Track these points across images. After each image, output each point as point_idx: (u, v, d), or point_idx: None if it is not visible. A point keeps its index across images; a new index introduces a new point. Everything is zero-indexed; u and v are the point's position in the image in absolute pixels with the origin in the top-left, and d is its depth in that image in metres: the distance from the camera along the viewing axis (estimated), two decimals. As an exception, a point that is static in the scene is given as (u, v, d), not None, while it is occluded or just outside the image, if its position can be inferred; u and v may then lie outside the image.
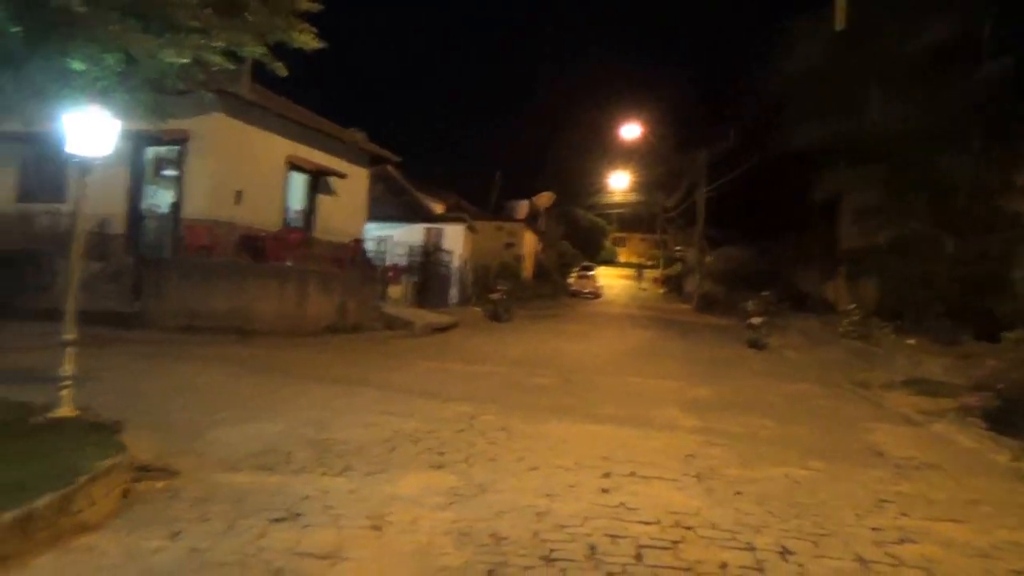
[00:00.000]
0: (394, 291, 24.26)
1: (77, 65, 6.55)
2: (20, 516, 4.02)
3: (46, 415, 6.03)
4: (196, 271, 16.84)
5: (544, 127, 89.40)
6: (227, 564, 4.11)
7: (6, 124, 8.70)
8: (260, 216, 19.65)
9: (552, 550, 4.59)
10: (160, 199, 19.42)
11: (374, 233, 27.44)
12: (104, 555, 4.17)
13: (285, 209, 21.33)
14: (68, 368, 6.23)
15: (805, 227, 31.53)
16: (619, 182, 57.93)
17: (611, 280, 58.92)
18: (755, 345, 20.01)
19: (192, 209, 18.45)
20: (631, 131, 45.70)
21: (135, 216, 18.95)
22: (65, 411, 6.10)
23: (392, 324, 19.37)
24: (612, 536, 4.90)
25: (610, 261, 70.72)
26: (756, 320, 20.69)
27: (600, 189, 60.52)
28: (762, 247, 37.80)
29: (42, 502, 4.19)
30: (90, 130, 6.00)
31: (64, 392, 6.18)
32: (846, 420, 10.39)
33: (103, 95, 6.86)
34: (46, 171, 18.94)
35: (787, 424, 9.67)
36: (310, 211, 22.53)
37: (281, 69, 8.59)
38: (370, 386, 10.51)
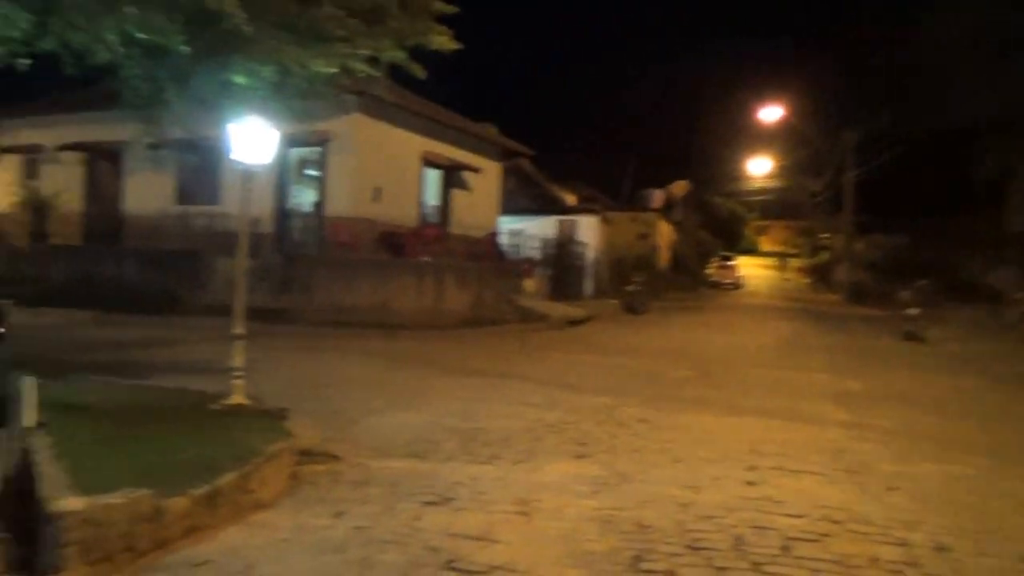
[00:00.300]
0: (529, 284, 24.56)
1: (238, 79, 7.06)
2: (209, 492, 4.42)
3: (221, 402, 6.55)
4: (340, 267, 17.63)
5: (679, 113, 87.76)
6: (388, 542, 4.37)
7: (167, 132, 9.47)
8: (397, 212, 20.33)
9: (697, 539, 4.63)
10: (304, 198, 20.38)
11: (508, 226, 27.83)
12: (279, 530, 4.52)
13: (421, 205, 21.96)
14: (238, 360, 6.72)
15: (966, 211, 29.75)
16: (760, 167, 55.98)
17: (753, 270, 57.53)
18: (912, 337, 19.05)
19: (334, 207, 19.29)
20: (772, 113, 44.23)
21: (281, 215, 19.96)
22: (237, 399, 6.59)
23: (528, 317, 19.65)
24: (758, 528, 4.89)
25: (751, 250, 68.89)
26: (913, 311, 19.74)
27: (739, 175, 58.78)
28: (918, 233, 35.96)
29: (225, 480, 4.59)
30: (252, 139, 6.44)
31: (236, 382, 6.68)
32: (1015, 416, 9.85)
33: (259, 104, 7.33)
34: (202, 175, 20.26)
35: (948, 419, 9.27)
36: (445, 206, 23.09)
37: (419, 71, 8.87)
38: (510, 378, 10.76)
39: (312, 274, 17.47)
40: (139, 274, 18.83)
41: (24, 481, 4.22)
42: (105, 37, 6.29)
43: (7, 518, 3.93)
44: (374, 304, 16.97)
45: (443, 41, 8.86)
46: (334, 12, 6.94)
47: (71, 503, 3.75)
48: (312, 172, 20.26)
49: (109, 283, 18.43)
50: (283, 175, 19.94)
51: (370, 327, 15.91)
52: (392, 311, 16.89)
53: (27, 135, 23.03)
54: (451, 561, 4.14)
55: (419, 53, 8.83)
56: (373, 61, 8.27)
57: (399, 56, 8.13)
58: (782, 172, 55.84)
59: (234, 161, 6.74)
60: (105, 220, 22.06)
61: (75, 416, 5.63)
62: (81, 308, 16.30)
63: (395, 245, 19.41)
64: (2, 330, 8.16)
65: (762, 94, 54.74)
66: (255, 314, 15.05)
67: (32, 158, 23.18)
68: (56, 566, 3.63)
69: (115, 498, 3.91)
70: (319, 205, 19.64)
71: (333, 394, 8.90)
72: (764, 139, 51.03)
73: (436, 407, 8.46)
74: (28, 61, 6.80)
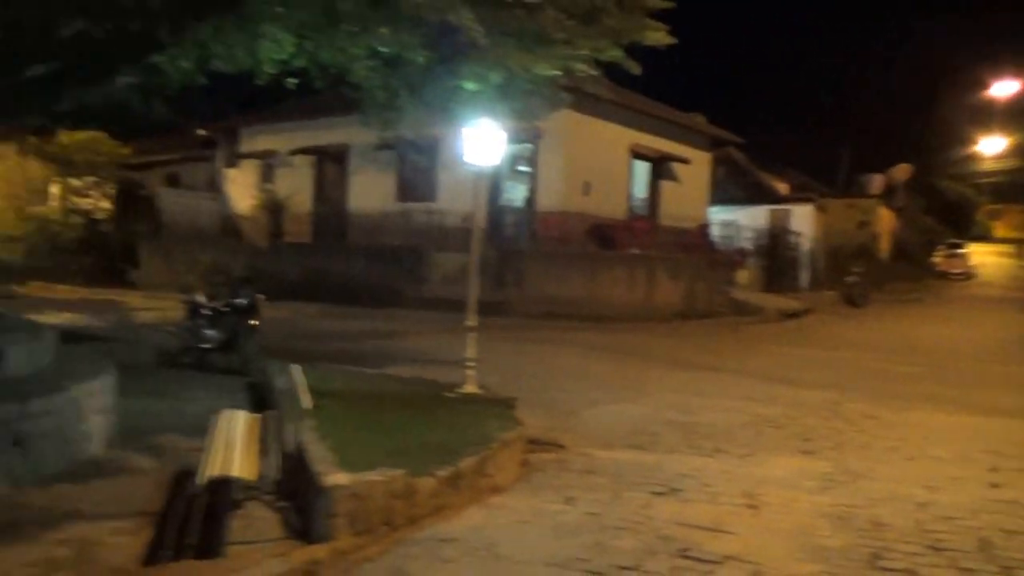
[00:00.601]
0: (741, 276, 24.00)
1: (468, 85, 7.48)
2: (452, 474, 4.78)
3: (456, 391, 7.00)
4: (551, 260, 18.04)
5: (900, 93, 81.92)
6: (620, 528, 4.54)
7: (387, 134, 10.13)
8: (606, 205, 20.48)
9: (939, 540, 4.46)
10: (515, 193, 20.93)
11: (718, 217, 27.27)
12: (516, 513, 4.80)
13: (630, 197, 22.00)
14: (471, 351, 7.15)
15: None
16: (992, 147, 51.17)
17: (985, 258, 52.93)
18: None
19: (545, 202, 19.74)
20: (1006, 88, 40.37)
21: (494, 210, 20.58)
22: (470, 388, 7.03)
23: (741, 309, 19.27)
24: (1006, 531, 4.64)
25: (983, 237, 63.25)
26: None
27: (967, 156, 54.18)
28: None
29: (466, 463, 4.94)
30: (482, 142, 6.82)
31: (468, 372, 7.11)
32: None
33: (485, 106, 7.71)
34: (420, 174, 21.33)
35: None
36: (654, 198, 23.01)
37: (635, 67, 8.92)
38: (726, 371, 10.67)
39: (524, 268, 17.99)
40: (363, 269, 20.09)
41: (295, 458, 4.74)
42: (356, 53, 6.88)
43: (287, 490, 4.44)
44: (585, 297, 17.24)
45: (658, 36, 8.87)
46: (555, 16, 7.18)
47: (340, 478, 4.19)
48: (523, 168, 20.78)
49: (336, 278, 19.81)
50: (497, 171, 20.55)
51: (581, 319, 16.19)
52: (603, 304, 17.09)
53: (263, 141, 25.20)
54: (684, 550, 4.24)
55: (629, 46, 8.88)
56: (591, 60, 8.44)
57: (616, 55, 8.25)
58: (1018, 151, 50.84)
59: (465, 162, 7.16)
60: (332, 219, 23.70)
61: (328, 400, 6.19)
62: (311, 302, 17.65)
63: (605, 238, 19.61)
64: (257, 322, 9.13)
65: (995, 67, 50.21)
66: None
67: (267, 163, 25.30)
68: (327, 535, 4.06)
69: (375, 475, 4.32)
70: (530, 200, 20.16)
71: (551, 385, 9.20)
72: (997, 116, 46.65)
73: (653, 399, 8.56)
74: (296, 80, 7.56)
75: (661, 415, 7.76)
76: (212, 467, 4.30)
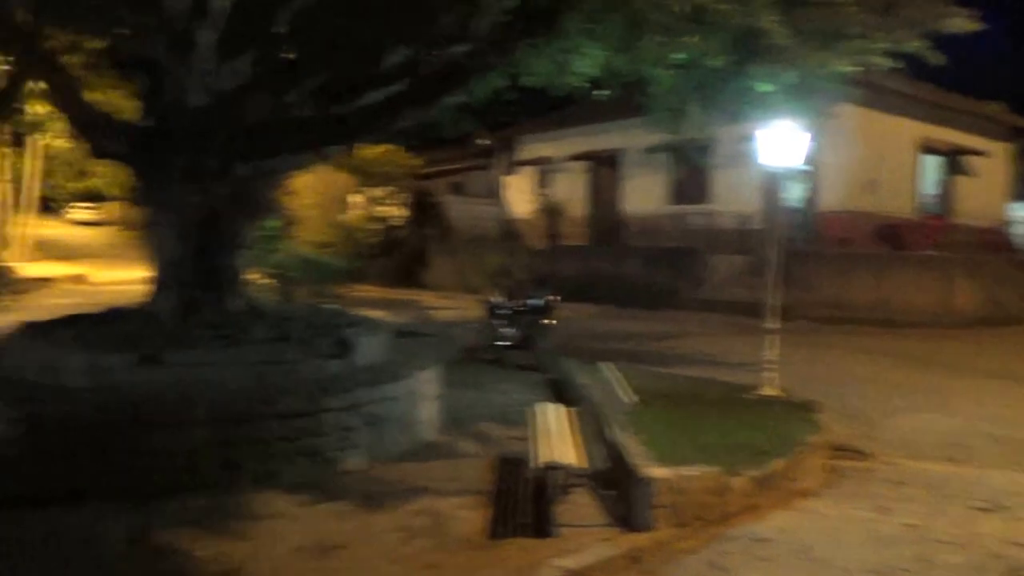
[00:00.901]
0: (1056, 279, 21.53)
1: (762, 87, 7.41)
2: (762, 475, 4.85)
3: (753, 393, 7.00)
4: (835, 262, 17.24)
5: None
6: (944, 543, 4.38)
7: (672, 136, 10.09)
8: (892, 203, 19.28)
9: None
10: (795, 193, 20.16)
11: (1022, 214, 24.70)
12: (827, 518, 4.78)
13: (918, 194, 20.56)
14: (771, 353, 7.11)
15: None
16: None
17: None
18: None
19: (826, 201, 18.91)
20: None
21: (775, 211, 19.92)
22: (768, 391, 6.99)
23: (1057, 316, 17.30)
24: None
25: None
26: None
27: None
28: None
29: (774, 466, 4.98)
30: (780, 143, 6.77)
31: (768, 374, 7.08)
32: None
33: (774, 106, 7.60)
34: (692, 176, 21.20)
35: None
36: (946, 194, 21.34)
37: (938, 58, 8.39)
38: (1044, 383, 9.72)
39: (805, 269, 17.30)
40: (637, 270, 20.27)
41: (611, 449, 5.01)
42: (656, 61, 7.06)
43: (605, 480, 4.72)
44: (872, 300, 16.33)
45: (961, 23, 8.28)
46: (855, 10, 6.95)
47: (660, 472, 4.40)
48: (804, 166, 19.97)
49: (611, 279, 20.14)
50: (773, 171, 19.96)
51: (869, 324, 15.35)
52: (893, 308, 16.07)
53: (538, 149, 26.31)
54: (1019, 570, 4.03)
55: (929, 34, 8.34)
56: (890, 53, 8.06)
57: (918, 45, 7.81)
58: None
59: (759, 163, 7.14)
60: (606, 221, 24.18)
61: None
62: (588, 302, 18.07)
63: (893, 238, 18.46)
64: (552, 321, 9.63)
65: None
66: (752, 309, 15.43)
67: (543, 169, 26.34)
68: (648, 524, 4.29)
69: (692, 471, 4.50)
70: (810, 199, 19.41)
71: (846, 391, 8.87)
72: None
73: (961, 410, 8.01)
74: (606, 92, 7.91)
75: (974, 427, 7.27)
76: (542, 454, 4.63)
